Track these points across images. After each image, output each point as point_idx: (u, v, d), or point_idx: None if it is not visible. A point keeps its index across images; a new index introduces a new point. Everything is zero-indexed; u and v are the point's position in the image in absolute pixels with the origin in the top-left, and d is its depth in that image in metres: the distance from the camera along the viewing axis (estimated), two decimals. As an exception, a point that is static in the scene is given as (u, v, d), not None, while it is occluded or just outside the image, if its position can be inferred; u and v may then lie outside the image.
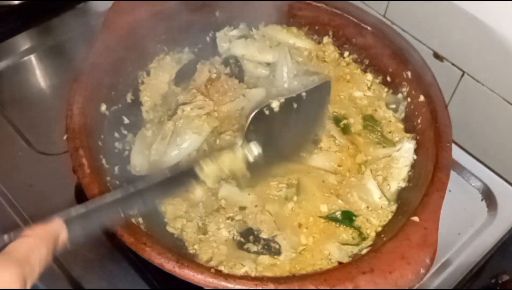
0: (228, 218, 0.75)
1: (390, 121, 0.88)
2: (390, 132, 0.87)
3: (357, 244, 0.75)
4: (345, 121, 0.87)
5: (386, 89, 0.91)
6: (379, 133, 0.86)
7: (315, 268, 0.72)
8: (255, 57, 0.93)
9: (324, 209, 0.77)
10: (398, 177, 0.80)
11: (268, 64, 0.93)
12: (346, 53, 0.95)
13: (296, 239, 0.74)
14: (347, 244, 0.75)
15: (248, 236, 0.73)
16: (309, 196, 0.78)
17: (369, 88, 0.92)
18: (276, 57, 0.92)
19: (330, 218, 0.76)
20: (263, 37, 0.95)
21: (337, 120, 0.87)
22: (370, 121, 0.87)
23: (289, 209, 0.76)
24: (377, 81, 0.92)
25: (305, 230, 0.75)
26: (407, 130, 0.86)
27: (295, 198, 0.77)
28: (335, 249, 0.74)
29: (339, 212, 0.77)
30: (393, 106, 0.89)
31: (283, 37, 0.96)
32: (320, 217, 0.77)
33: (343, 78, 0.93)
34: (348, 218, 0.77)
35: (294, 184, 0.78)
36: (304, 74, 0.92)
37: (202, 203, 0.77)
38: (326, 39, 0.96)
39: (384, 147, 0.84)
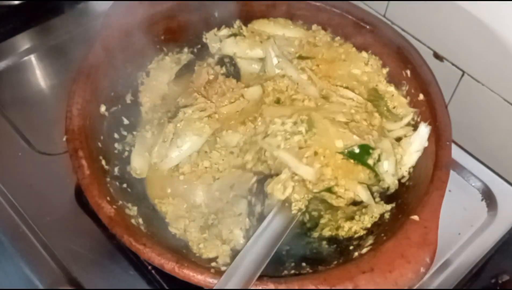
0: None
1: (392, 96, 0.87)
2: (394, 107, 0.86)
3: (373, 185, 0.75)
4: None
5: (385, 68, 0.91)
6: (385, 107, 0.85)
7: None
8: (247, 54, 0.93)
9: (340, 144, 0.76)
10: (407, 164, 0.79)
11: (260, 59, 0.93)
12: (337, 38, 0.95)
13: (312, 170, 0.74)
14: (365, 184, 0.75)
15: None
16: (322, 130, 0.77)
17: (366, 64, 0.91)
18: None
19: (348, 153, 0.75)
20: (252, 33, 0.95)
21: None
22: (374, 95, 0.87)
23: (300, 141, 0.76)
24: (374, 57, 0.92)
25: (323, 159, 0.75)
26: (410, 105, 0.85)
27: (304, 131, 0.76)
28: (360, 188, 0.74)
29: (356, 146, 0.75)
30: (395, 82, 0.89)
31: (272, 30, 0.95)
32: (338, 153, 0.76)
33: (338, 58, 0.92)
34: (366, 152, 0.76)
35: (304, 119, 0.77)
36: (297, 58, 0.92)
37: (203, 203, 0.77)
38: (314, 27, 0.96)
39: (395, 121, 0.84)
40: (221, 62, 0.92)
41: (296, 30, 0.96)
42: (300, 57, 0.92)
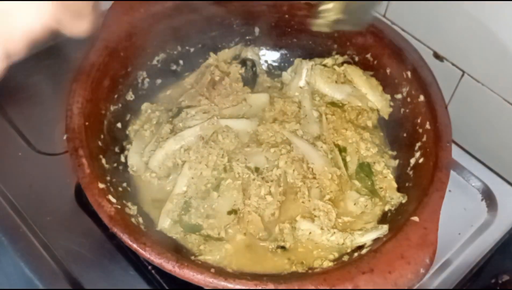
0: None
1: (385, 177, 0.83)
2: (381, 188, 0.82)
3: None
4: (344, 154, 0.84)
5: (389, 150, 0.88)
6: (370, 183, 0.82)
7: None
8: (323, 89, 0.91)
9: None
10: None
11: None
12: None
13: None
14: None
15: None
16: None
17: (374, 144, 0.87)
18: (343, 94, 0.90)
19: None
20: (335, 70, 0.92)
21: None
22: (365, 170, 0.84)
23: None
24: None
25: None
26: (399, 189, 0.81)
27: None
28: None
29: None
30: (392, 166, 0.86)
31: (359, 84, 0.91)
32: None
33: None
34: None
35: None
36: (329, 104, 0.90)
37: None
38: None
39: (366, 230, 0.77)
40: (243, 63, 0.93)
41: (380, 100, 0.90)
42: (332, 103, 0.90)
